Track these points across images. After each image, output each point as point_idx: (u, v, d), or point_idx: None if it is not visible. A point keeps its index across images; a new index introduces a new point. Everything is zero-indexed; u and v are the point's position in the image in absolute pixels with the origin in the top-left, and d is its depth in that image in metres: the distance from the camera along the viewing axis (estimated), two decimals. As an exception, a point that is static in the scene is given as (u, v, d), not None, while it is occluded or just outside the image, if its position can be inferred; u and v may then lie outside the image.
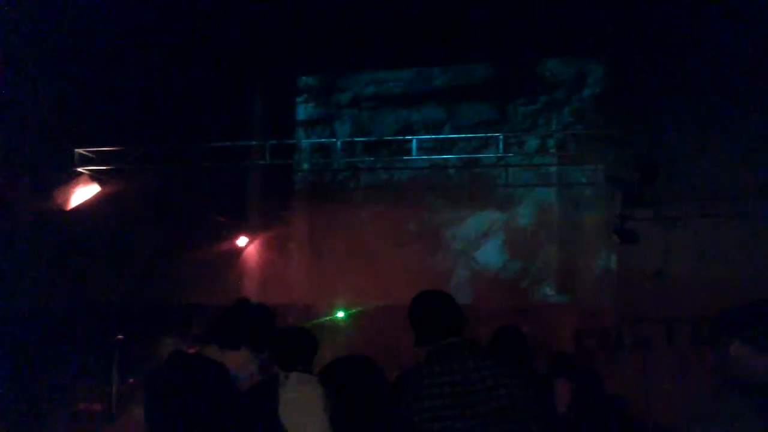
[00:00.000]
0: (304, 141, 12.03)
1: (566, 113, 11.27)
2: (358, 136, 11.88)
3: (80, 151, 10.09)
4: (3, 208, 9.49)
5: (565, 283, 11.10)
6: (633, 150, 8.79)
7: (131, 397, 8.85)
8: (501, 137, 9.82)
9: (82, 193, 9.81)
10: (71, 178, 9.88)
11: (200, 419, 3.36)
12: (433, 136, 10.89)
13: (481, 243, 11.53)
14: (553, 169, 11.24)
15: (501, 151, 9.85)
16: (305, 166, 12.17)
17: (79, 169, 10.02)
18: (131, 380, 9.27)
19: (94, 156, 10.13)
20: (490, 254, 11.48)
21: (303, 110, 12.32)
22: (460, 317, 3.89)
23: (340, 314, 11.06)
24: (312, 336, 4.65)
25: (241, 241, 11.59)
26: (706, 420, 3.28)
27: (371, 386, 3.71)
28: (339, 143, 11.47)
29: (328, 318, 10.95)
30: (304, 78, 12.36)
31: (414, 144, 9.93)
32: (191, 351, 3.69)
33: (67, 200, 9.70)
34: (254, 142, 10.67)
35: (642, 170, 8.44)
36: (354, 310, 11.03)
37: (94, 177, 9.95)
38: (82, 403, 9.60)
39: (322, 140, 12.04)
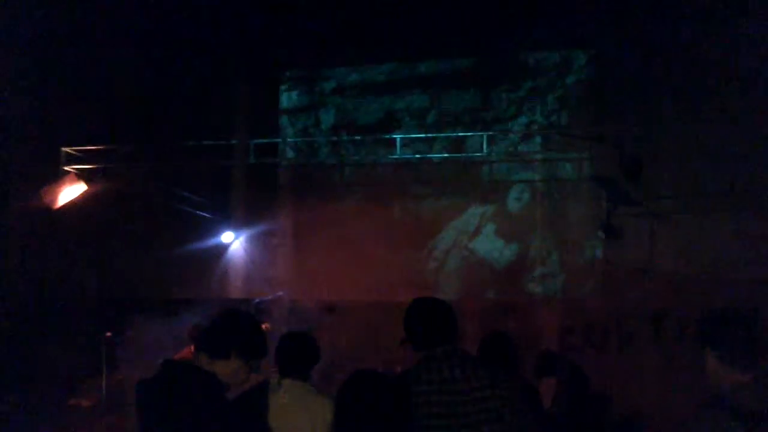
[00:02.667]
0: (289, 137, 12.06)
1: (550, 100, 11.29)
2: (342, 124, 11.98)
3: (67, 149, 10.08)
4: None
5: (553, 278, 11.13)
6: (618, 147, 8.79)
7: (120, 392, 8.90)
8: (485, 135, 9.97)
9: (69, 191, 9.80)
10: (58, 176, 9.86)
11: (191, 430, 3.42)
12: (415, 135, 11.12)
13: (470, 234, 11.54)
14: (538, 162, 11.26)
15: (486, 146, 9.94)
16: (289, 159, 12.16)
17: (66, 168, 10.01)
18: (120, 376, 9.31)
19: (80, 155, 10.12)
20: (477, 247, 11.49)
21: (287, 99, 12.35)
22: (454, 325, 3.92)
23: (327, 310, 11.03)
24: (314, 343, 4.62)
25: (227, 237, 11.65)
26: None
27: (389, 409, 3.53)
28: (324, 138, 11.59)
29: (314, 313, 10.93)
30: (287, 71, 12.39)
31: (398, 141, 10.06)
32: (180, 357, 3.71)
33: (54, 199, 9.69)
34: (239, 141, 10.68)
35: (627, 167, 8.44)
36: (341, 306, 11.01)
37: (81, 176, 9.94)
38: (73, 399, 9.63)
39: (306, 139, 12.08)
